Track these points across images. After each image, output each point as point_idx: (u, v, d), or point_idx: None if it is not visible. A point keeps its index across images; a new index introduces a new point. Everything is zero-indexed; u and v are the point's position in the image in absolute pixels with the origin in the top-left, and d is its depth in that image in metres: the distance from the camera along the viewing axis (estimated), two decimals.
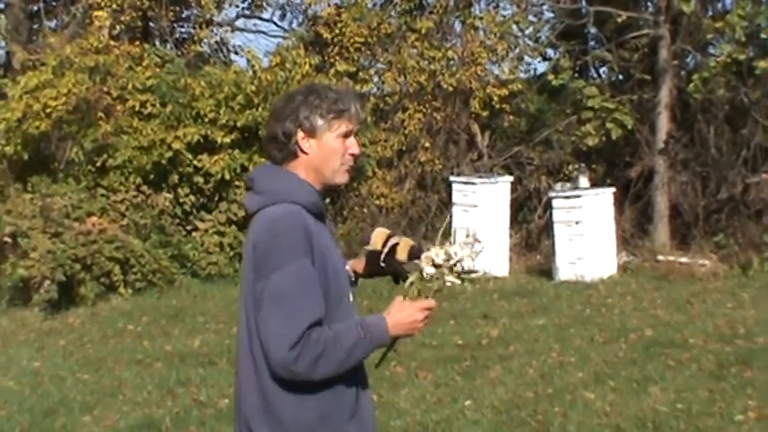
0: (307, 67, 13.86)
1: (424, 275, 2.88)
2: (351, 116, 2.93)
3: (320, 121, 2.89)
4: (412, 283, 2.91)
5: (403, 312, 2.86)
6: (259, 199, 2.90)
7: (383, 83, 15.64)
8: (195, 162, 13.18)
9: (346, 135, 2.93)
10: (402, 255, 3.07)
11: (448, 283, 2.86)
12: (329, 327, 2.76)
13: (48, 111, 12.62)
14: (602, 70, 16.33)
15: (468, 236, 2.90)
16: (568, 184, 13.70)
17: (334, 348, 2.72)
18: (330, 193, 3.04)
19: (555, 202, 12.76)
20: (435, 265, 2.86)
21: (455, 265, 2.86)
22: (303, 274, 2.74)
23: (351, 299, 2.97)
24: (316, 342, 2.69)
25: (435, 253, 2.86)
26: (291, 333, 2.68)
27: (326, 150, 2.91)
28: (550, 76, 14.52)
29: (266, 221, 2.82)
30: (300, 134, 2.90)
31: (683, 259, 12.60)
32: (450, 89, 14.91)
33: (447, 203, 14.07)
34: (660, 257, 12.84)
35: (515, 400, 6.92)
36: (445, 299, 10.99)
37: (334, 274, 2.85)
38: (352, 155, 2.95)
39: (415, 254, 3.03)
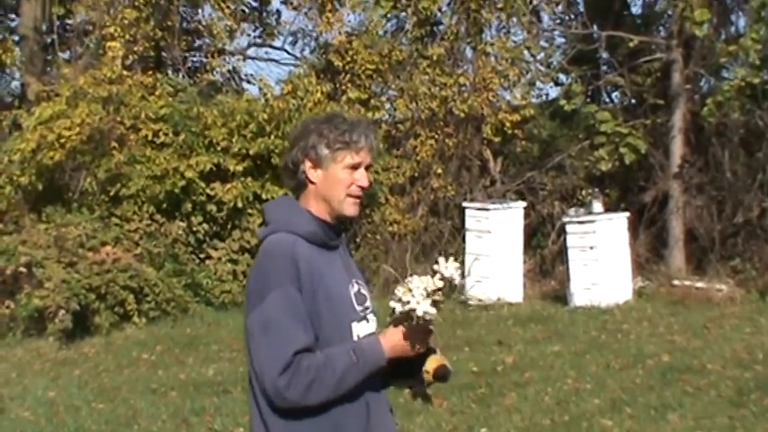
0: (318, 94, 13.90)
1: (395, 313, 2.86)
2: (359, 148, 2.90)
3: (326, 152, 2.89)
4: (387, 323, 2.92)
5: (397, 333, 2.85)
6: (265, 229, 2.93)
7: (395, 110, 15.66)
8: (208, 190, 13.20)
9: (354, 167, 2.91)
10: (429, 370, 2.97)
11: (420, 312, 2.80)
12: (321, 351, 2.75)
13: (62, 141, 12.68)
14: (614, 95, 16.35)
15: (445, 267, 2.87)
16: (582, 210, 13.63)
17: (326, 374, 2.72)
18: (343, 223, 2.99)
19: (569, 228, 12.71)
20: (402, 302, 2.83)
21: (429, 294, 2.82)
22: (287, 301, 2.74)
23: (366, 329, 2.93)
24: (307, 369, 2.70)
25: (403, 291, 2.83)
26: (279, 361, 2.69)
27: (332, 181, 2.90)
28: (562, 102, 14.51)
29: (260, 252, 2.87)
30: (308, 164, 2.91)
31: (700, 284, 12.50)
32: (462, 115, 14.91)
33: (460, 230, 14.04)
34: (676, 282, 12.76)
35: (531, 428, 6.86)
36: (459, 326, 10.98)
37: (327, 301, 2.83)
38: (360, 187, 2.92)
39: (440, 374, 2.97)
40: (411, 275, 2.88)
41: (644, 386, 7.94)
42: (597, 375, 8.42)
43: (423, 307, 2.80)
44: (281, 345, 2.71)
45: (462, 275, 2.92)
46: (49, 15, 16.48)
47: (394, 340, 2.84)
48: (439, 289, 2.82)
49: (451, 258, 2.91)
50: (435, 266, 2.87)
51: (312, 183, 2.91)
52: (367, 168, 2.95)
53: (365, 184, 2.93)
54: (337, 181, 2.90)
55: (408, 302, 2.81)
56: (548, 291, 13.51)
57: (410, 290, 2.82)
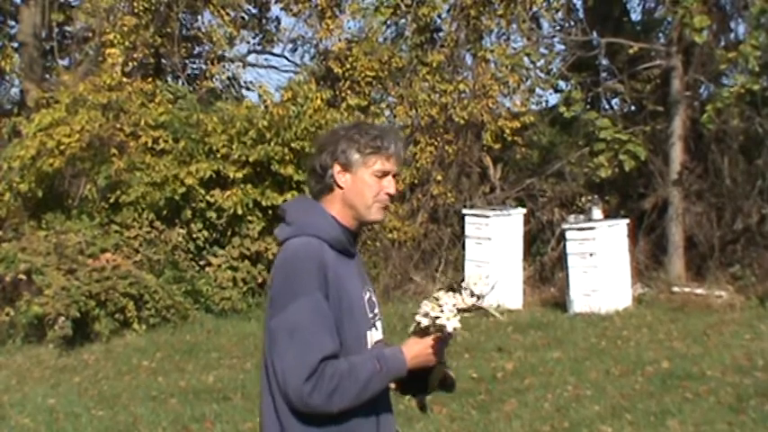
0: (318, 101, 13.90)
1: (420, 327, 2.89)
2: (389, 155, 2.93)
3: (356, 156, 2.90)
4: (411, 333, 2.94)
5: (420, 344, 2.89)
6: (287, 230, 2.93)
7: (395, 116, 15.66)
8: (208, 197, 13.21)
9: (383, 174, 2.92)
10: (434, 381, 3.03)
11: (450, 328, 2.84)
12: (345, 359, 2.76)
13: (61, 148, 12.69)
14: (614, 102, 16.35)
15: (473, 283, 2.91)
16: (582, 216, 13.62)
17: (350, 381, 2.73)
18: (360, 231, 3.01)
19: (568, 234, 12.71)
20: (430, 317, 2.86)
21: (458, 309, 2.86)
22: (315, 307, 2.75)
23: (375, 336, 2.95)
24: (331, 376, 2.71)
25: (431, 307, 2.86)
26: (305, 367, 2.70)
27: (360, 186, 2.91)
28: (562, 108, 14.51)
29: (285, 254, 2.86)
30: (337, 168, 2.92)
31: (699, 290, 12.50)
32: (462, 122, 14.92)
33: (460, 236, 14.04)
34: (675, 289, 12.76)
35: None
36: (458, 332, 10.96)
37: (348, 309, 2.84)
38: (388, 194, 2.94)
39: (447, 384, 3.03)
40: (438, 290, 2.91)
41: (644, 392, 7.94)
42: (597, 382, 8.41)
43: (452, 323, 2.84)
44: (307, 351, 2.72)
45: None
46: (48, 22, 16.53)
47: (416, 350, 2.88)
48: (469, 306, 2.85)
49: (481, 275, 2.95)
50: (464, 283, 2.90)
51: (340, 187, 2.92)
52: (394, 177, 2.97)
53: (393, 191, 2.94)
54: (365, 186, 2.91)
55: (438, 318, 2.83)
56: (547, 297, 13.51)
57: (440, 306, 2.84)
